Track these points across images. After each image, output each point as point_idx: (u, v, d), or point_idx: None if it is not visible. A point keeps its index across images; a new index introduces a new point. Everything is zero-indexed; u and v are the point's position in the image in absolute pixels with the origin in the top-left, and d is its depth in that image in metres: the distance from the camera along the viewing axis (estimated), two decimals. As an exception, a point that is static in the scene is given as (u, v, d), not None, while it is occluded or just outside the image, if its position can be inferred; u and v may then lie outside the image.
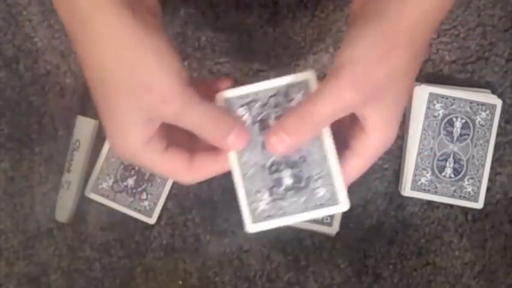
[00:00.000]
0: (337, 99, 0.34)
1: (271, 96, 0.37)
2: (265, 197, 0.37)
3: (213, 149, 0.38)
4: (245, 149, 0.37)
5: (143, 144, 0.35)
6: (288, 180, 0.37)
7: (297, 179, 0.37)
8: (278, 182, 0.37)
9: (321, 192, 0.37)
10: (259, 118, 0.37)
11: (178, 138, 0.38)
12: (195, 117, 0.35)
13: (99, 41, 0.33)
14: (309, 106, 0.34)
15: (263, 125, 0.37)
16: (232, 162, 0.37)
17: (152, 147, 0.36)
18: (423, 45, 0.35)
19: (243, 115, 0.37)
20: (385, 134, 0.36)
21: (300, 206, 0.37)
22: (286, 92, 0.37)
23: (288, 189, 0.37)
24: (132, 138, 0.35)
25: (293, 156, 0.37)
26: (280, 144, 0.35)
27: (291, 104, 0.37)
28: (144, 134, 0.35)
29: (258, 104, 0.37)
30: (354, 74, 0.33)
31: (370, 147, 0.37)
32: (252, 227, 0.37)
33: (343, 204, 0.37)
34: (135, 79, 0.33)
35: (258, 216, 0.37)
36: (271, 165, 0.37)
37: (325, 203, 0.37)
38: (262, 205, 0.37)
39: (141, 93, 0.33)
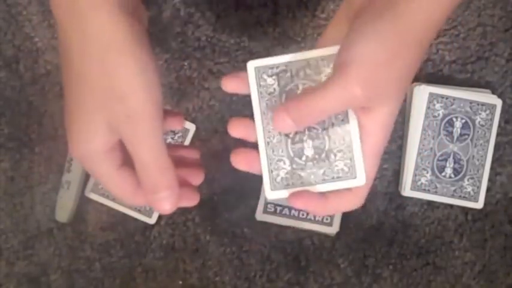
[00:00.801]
0: (344, 95, 0.34)
1: (301, 67, 0.38)
2: (286, 166, 0.38)
3: None
4: (272, 118, 0.38)
5: (104, 152, 0.35)
6: (309, 151, 0.38)
7: (318, 150, 0.38)
8: (299, 153, 0.38)
9: (340, 165, 0.38)
10: (287, 88, 0.38)
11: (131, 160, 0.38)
12: (146, 150, 0.35)
13: (93, 43, 0.33)
14: (315, 97, 0.34)
15: (290, 95, 0.38)
16: (258, 129, 0.38)
17: (110, 158, 0.36)
18: (430, 43, 0.35)
19: (272, 84, 0.38)
20: (387, 130, 0.36)
21: (318, 177, 0.38)
22: (316, 65, 0.38)
23: (308, 160, 0.38)
24: (96, 143, 0.35)
25: (316, 129, 0.38)
26: (282, 123, 0.35)
27: (320, 77, 0.38)
28: (106, 141, 0.35)
29: (287, 75, 0.38)
30: (362, 71, 0.33)
31: (373, 145, 0.37)
32: (270, 193, 0.38)
33: (360, 179, 0.37)
34: (114, 85, 0.33)
35: (277, 184, 0.38)
36: (295, 135, 0.38)
37: (343, 176, 0.38)
38: (282, 174, 0.38)
39: (113, 100, 0.33)
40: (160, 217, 0.59)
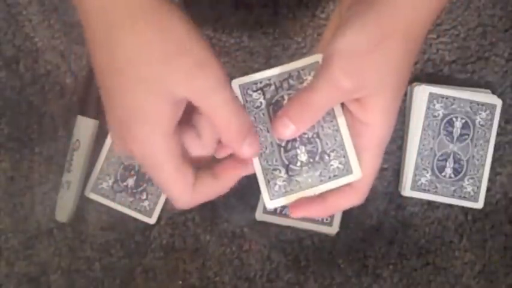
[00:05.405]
0: (331, 86, 0.34)
1: (284, 79, 0.39)
2: (282, 174, 0.39)
3: (213, 172, 0.37)
4: (262, 130, 0.39)
5: (166, 135, 0.33)
6: (302, 157, 0.39)
7: (312, 154, 0.39)
8: (293, 159, 0.39)
9: (335, 164, 0.38)
10: (273, 101, 0.39)
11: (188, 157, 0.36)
12: (223, 100, 0.33)
13: (128, 16, 0.31)
14: (306, 94, 0.35)
15: (277, 106, 0.39)
16: None
17: (173, 145, 0.33)
18: (419, 37, 0.35)
19: (258, 98, 0.39)
20: (386, 123, 0.36)
21: (315, 179, 0.39)
22: (298, 75, 0.39)
23: (303, 165, 0.39)
24: (157, 125, 0.32)
25: (307, 134, 0.39)
26: (286, 130, 0.36)
27: (303, 85, 0.39)
28: (171, 117, 0.32)
29: (272, 88, 0.39)
30: (345, 60, 0.33)
31: (374, 138, 0.37)
32: (270, 203, 0.39)
33: (356, 174, 0.38)
34: (169, 44, 0.32)
35: (275, 193, 0.39)
36: (287, 143, 0.39)
37: (339, 174, 0.38)
38: (279, 182, 0.39)
39: (176, 56, 0.32)
40: (160, 217, 0.59)
